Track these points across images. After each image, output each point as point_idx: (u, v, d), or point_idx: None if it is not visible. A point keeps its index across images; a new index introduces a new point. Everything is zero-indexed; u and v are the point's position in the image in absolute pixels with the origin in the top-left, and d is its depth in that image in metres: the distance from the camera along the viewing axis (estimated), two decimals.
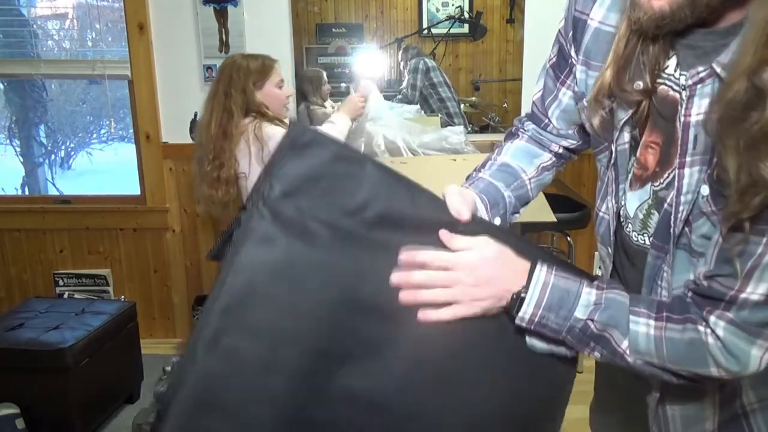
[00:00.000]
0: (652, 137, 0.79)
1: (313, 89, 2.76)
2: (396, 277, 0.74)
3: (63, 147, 5.70)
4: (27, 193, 4.08)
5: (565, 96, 0.92)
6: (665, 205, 0.76)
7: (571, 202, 2.46)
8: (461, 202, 0.77)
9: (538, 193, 1.00)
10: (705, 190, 0.70)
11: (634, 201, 0.83)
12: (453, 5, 2.90)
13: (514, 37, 2.84)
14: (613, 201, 0.86)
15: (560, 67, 0.91)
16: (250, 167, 1.96)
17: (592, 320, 0.74)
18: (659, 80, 0.75)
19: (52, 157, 5.46)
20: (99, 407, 2.28)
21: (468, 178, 0.95)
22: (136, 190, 2.85)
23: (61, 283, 2.88)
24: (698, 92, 0.70)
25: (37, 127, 4.53)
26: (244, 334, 0.68)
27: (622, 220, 0.87)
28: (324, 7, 2.88)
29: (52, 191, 4.56)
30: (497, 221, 0.88)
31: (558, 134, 0.97)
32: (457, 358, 0.79)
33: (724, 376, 0.71)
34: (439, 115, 2.80)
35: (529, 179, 0.97)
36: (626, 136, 0.81)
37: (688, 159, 0.71)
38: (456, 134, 2.29)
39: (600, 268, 1.00)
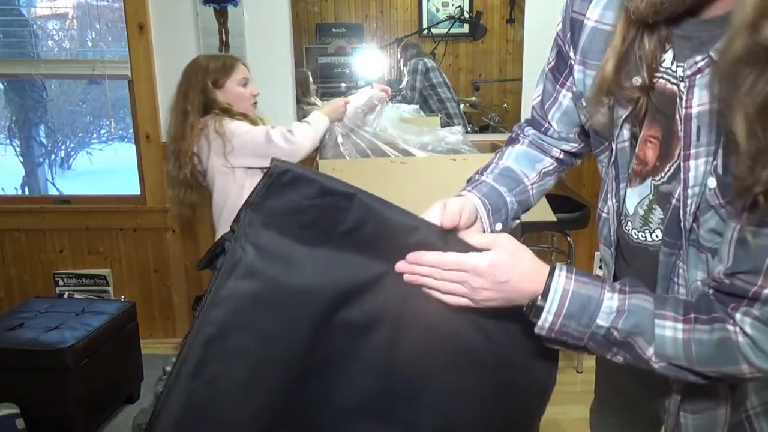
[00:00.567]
0: (650, 131, 0.79)
1: (302, 91, 2.76)
2: (401, 266, 0.76)
3: (63, 147, 5.71)
4: (27, 193, 4.09)
5: (565, 98, 0.92)
6: (673, 201, 0.75)
7: (571, 202, 2.46)
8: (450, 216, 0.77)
9: (539, 199, 1.00)
10: (712, 182, 0.69)
11: (633, 197, 0.83)
12: (453, 5, 2.89)
13: (514, 37, 2.84)
14: (614, 199, 0.86)
15: (559, 69, 0.91)
16: (208, 161, 1.94)
17: (616, 328, 0.71)
18: (657, 74, 0.75)
19: (52, 157, 5.47)
20: (99, 407, 2.28)
21: (470, 180, 0.95)
22: (136, 190, 2.85)
23: (61, 283, 2.88)
24: (698, 83, 0.70)
25: (37, 127, 4.53)
26: (225, 363, 0.71)
27: (621, 218, 0.87)
28: (324, 7, 2.87)
29: (52, 191, 4.56)
30: (498, 227, 0.88)
31: (559, 138, 0.97)
32: (435, 368, 0.81)
33: (755, 374, 0.70)
34: (439, 116, 2.79)
35: (532, 184, 0.96)
36: (626, 133, 0.81)
37: (692, 151, 0.71)
38: (454, 134, 2.29)
39: (601, 268, 1.00)
